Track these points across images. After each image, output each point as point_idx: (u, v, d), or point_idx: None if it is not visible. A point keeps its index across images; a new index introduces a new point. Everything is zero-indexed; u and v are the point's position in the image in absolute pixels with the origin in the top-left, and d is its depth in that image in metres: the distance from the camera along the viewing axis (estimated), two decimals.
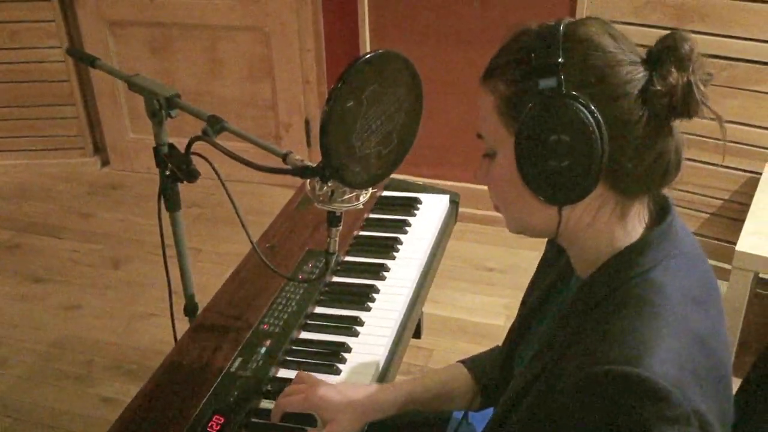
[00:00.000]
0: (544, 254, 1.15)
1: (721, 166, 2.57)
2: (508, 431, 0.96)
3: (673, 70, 0.84)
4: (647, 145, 0.87)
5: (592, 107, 0.83)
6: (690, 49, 0.85)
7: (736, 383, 1.02)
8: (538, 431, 0.90)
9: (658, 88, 0.84)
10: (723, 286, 2.28)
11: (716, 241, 2.68)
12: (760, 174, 2.46)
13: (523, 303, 1.15)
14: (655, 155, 0.87)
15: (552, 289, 1.08)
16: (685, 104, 0.85)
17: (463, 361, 1.28)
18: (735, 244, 2.10)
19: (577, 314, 0.92)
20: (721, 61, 2.45)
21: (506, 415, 0.97)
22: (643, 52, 0.89)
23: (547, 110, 0.84)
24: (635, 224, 0.92)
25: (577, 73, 0.85)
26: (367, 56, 1.03)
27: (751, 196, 2.37)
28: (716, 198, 2.64)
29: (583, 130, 0.83)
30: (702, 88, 0.85)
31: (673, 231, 0.92)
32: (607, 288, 0.89)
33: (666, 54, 0.85)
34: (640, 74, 0.86)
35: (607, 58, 0.86)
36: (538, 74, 0.86)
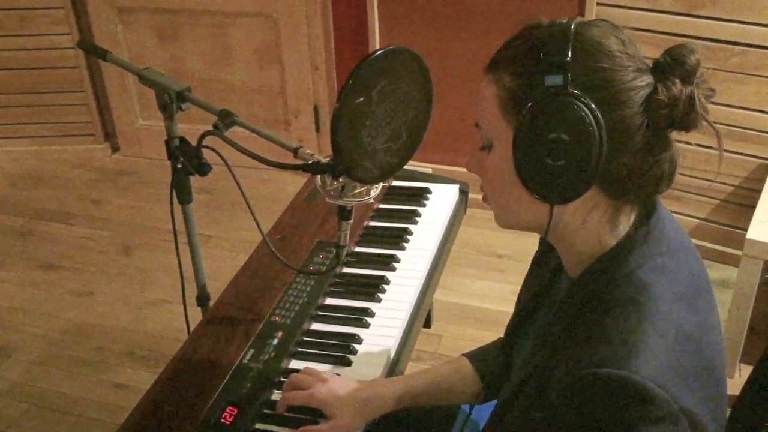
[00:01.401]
0: (537, 251, 1.15)
1: (733, 152, 2.56)
2: (506, 429, 0.98)
3: (677, 81, 0.85)
4: (644, 152, 0.87)
5: (595, 109, 0.84)
6: (696, 62, 0.85)
7: (746, 369, 1.02)
8: (532, 430, 0.91)
9: (661, 98, 0.85)
10: (733, 272, 2.28)
11: (727, 228, 2.67)
12: None
13: (519, 299, 1.16)
14: (650, 163, 0.88)
15: (545, 287, 1.09)
16: (686, 117, 0.85)
17: (467, 355, 1.29)
18: (746, 230, 2.10)
19: (566, 314, 0.93)
20: (733, 47, 2.43)
21: (504, 413, 0.99)
22: (649, 60, 0.89)
23: (549, 107, 0.85)
24: (624, 225, 0.93)
25: (584, 74, 0.85)
26: (377, 53, 1.03)
27: (763, 182, 2.36)
28: (727, 184, 2.64)
29: (584, 131, 0.84)
30: (704, 102, 0.85)
31: (660, 228, 0.92)
32: (594, 288, 0.90)
33: (672, 65, 0.85)
34: (644, 82, 0.86)
35: (614, 63, 0.86)
36: (544, 70, 0.85)
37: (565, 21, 0.89)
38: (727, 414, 0.95)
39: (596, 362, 0.81)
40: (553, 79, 0.84)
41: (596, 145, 0.84)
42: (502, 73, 0.90)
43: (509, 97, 0.89)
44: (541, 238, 1.11)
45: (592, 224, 0.92)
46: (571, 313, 0.92)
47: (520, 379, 0.96)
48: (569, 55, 0.85)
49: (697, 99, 0.84)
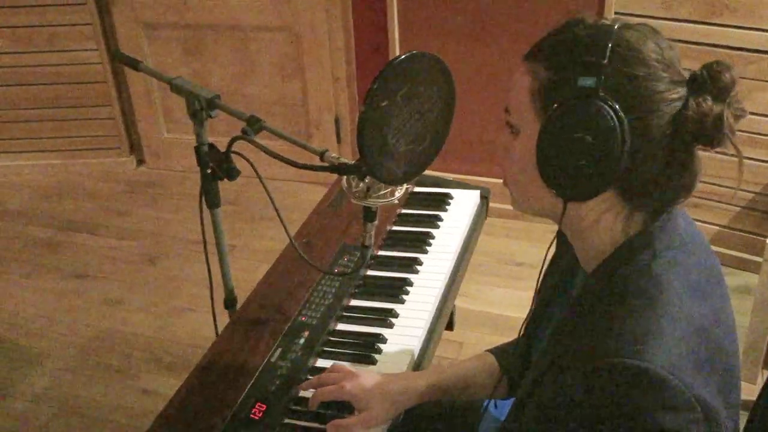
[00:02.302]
0: (555, 247, 1.17)
1: (754, 159, 2.57)
2: (524, 422, 1.00)
3: (709, 98, 0.86)
4: (665, 163, 0.89)
5: (622, 115, 0.85)
6: (732, 81, 0.87)
7: (765, 374, 1.04)
8: (549, 422, 0.93)
9: (690, 113, 0.86)
10: (754, 279, 2.28)
11: (748, 234, 2.68)
12: None
13: (537, 293, 1.18)
14: (670, 175, 0.90)
15: (562, 281, 1.12)
16: (712, 134, 0.87)
17: (491, 350, 1.32)
18: (764, 237, 2.10)
19: (581, 308, 0.95)
20: (751, 54, 2.45)
21: (523, 406, 1.01)
22: (687, 71, 0.90)
23: (578, 108, 0.87)
24: (638, 224, 0.95)
25: (617, 79, 0.87)
26: (402, 57, 1.07)
27: None
28: (748, 191, 2.64)
29: (608, 135, 0.86)
30: (731, 122, 0.87)
31: (673, 223, 0.94)
32: (608, 282, 0.93)
33: (707, 81, 0.87)
34: (677, 95, 0.88)
35: (649, 72, 0.87)
36: (579, 70, 0.87)
37: (608, 22, 0.91)
38: (740, 405, 0.96)
39: (611, 352, 0.84)
40: (586, 81, 0.86)
41: (618, 150, 0.86)
42: (538, 65, 0.92)
43: (541, 90, 0.91)
44: (558, 236, 1.14)
45: (606, 223, 0.95)
46: (586, 306, 0.94)
47: (538, 373, 0.98)
48: (606, 58, 0.86)
49: (725, 119, 0.86)
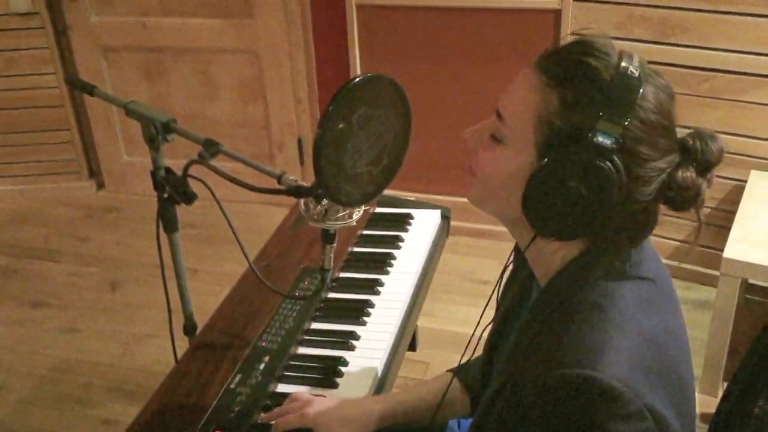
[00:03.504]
0: (513, 261, 1.18)
1: None
2: None
3: (693, 171, 0.89)
4: (636, 218, 0.91)
5: (625, 180, 0.85)
6: (719, 156, 0.89)
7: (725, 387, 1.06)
8: None
9: (677, 182, 0.88)
10: (713, 293, 2.32)
11: (704, 249, 2.73)
12: (745, 182, 2.51)
13: (497, 310, 1.19)
14: (637, 227, 0.92)
15: (520, 295, 1.13)
16: (686, 204, 0.90)
17: (453, 370, 1.32)
18: (722, 251, 2.14)
19: (536, 321, 0.96)
20: (704, 72, 2.51)
21: (483, 422, 1.01)
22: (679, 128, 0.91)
23: (588, 163, 0.85)
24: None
25: (630, 143, 0.86)
26: (357, 80, 1.07)
27: (737, 204, 2.42)
28: (705, 206, 2.69)
29: (606, 192, 0.86)
30: (704, 195, 0.90)
31: None
32: (561, 295, 0.94)
33: (697, 153, 0.89)
34: (667, 164, 0.89)
35: (656, 140, 0.87)
36: (597, 124, 0.85)
37: (635, 65, 0.88)
38: (695, 416, 0.97)
39: (564, 364, 0.85)
40: (604, 140, 0.85)
41: (608, 206, 0.87)
42: (551, 90, 0.89)
43: (550, 123, 0.89)
44: (514, 250, 1.15)
45: (564, 250, 0.96)
46: (540, 319, 0.95)
47: (495, 389, 0.98)
48: (627, 120, 0.85)
49: (702, 193, 0.89)
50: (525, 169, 0.91)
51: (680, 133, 0.92)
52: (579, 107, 0.87)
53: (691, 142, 0.90)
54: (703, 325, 2.30)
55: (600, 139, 0.85)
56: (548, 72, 0.91)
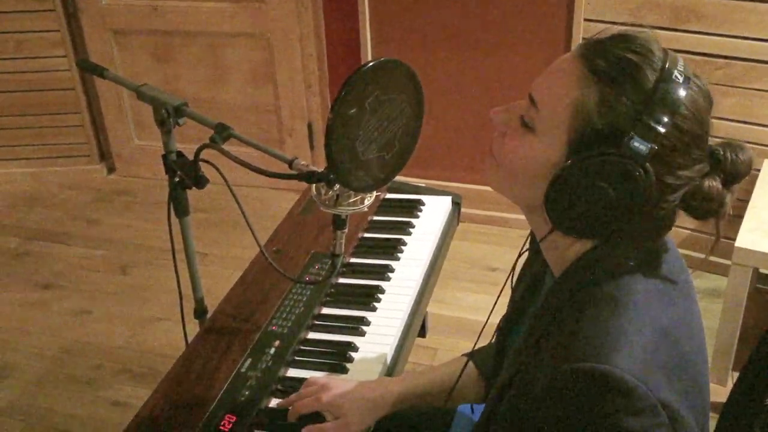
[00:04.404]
0: (528, 250, 1.17)
1: None
2: (495, 425, 1.00)
3: (719, 182, 0.87)
4: (657, 221, 0.90)
5: (653, 185, 0.84)
6: (747, 170, 0.88)
7: (735, 377, 1.05)
8: (518, 425, 0.93)
9: (702, 192, 0.87)
10: (723, 282, 2.31)
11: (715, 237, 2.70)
12: (759, 171, 2.49)
13: (511, 299, 1.18)
14: (656, 227, 0.91)
15: (533, 284, 1.12)
16: (709, 213, 0.88)
17: (468, 354, 1.32)
18: (734, 240, 2.13)
19: (549, 312, 0.95)
20: (718, 60, 2.48)
21: (493, 409, 1.00)
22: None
23: (621, 166, 0.84)
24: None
25: (666, 148, 0.85)
26: (369, 64, 1.06)
27: (750, 193, 2.40)
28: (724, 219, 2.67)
29: (634, 196, 0.85)
30: (729, 205, 0.88)
31: None
32: (574, 287, 0.93)
33: (726, 164, 0.88)
34: (696, 173, 0.88)
35: (690, 149, 0.86)
36: (637, 129, 0.83)
37: (680, 69, 0.86)
38: (709, 409, 0.97)
39: (577, 357, 0.84)
40: (640, 146, 0.83)
41: (634, 209, 0.86)
42: (594, 84, 0.86)
43: (586, 118, 0.86)
44: (530, 240, 1.14)
45: (581, 244, 0.95)
46: (553, 310, 0.94)
47: (508, 376, 0.98)
48: (669, 125, 0.83)
49: (726, 204, 0.88)
50: (554, 162, 0.89)
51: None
52: (619, 107, 0.84)
53: (721, 152, 0.88)
54: (714, 314, 2.29)
55: (636, 144, 0.83)
56: (591, 63, 0.87)
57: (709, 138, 0.90)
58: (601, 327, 0.86)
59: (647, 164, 0.84)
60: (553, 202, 0.89)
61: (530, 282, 1.13)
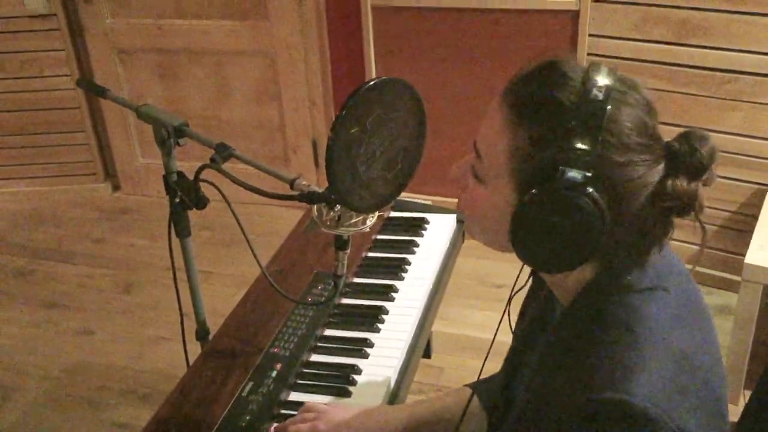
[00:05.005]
0: (531, 281, 1.15)
1: (728, 178, 2.58)
2: None
3: (684, 179, 0.85)
4: (638, 229, 0.87)
5: (604, 206, 0.82)
6: (710, 157, 0.85)
7: (747, 395, 1.03)
8: None
9: (668, 192, 0.85)
10: (733, 298, 2.28)
11: (725, 254, 2.68)
12: (767, 186, 2.46)
13: (515, 331, 1.16)
14: (644, 237, 0.88)
15: (540, 317, 1.10)
16: (685, 210, 0.86)
17: (471, 386, 1.29)
18: (744, 256, 2.10)
19: (561, 342, 0.93)
20: (724, 74, 2.46)
21: None
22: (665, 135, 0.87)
23: (560, 198, 0.83)
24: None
25: (603, 168, 0.83)
26: (370, 83, 1.05)
27: (759, 208, 2.37)
28: (724, 210, 2.65)
29: (588, 222, 0.83)
30: (702, 198, 0.86)
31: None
32: (587, 315, 0.90)
33: (685, 157, 0.85)
34: (655, 177, 0.85)
35: (633, 159, 0.84)
36: (567, 159, 0.82)
37: (599, 88, 0.84)
38: (729, 430, 0.94)
39: (593, 387, 0.82)
40: (574, 175, 0.82)
41: (596, 233, 0.84)
42: (518, 124, 0.86)
43: (521, 158, 0.86)
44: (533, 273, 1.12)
45: (578, 272, 0.92)
46: (565, 340, 0.92)
47: (520, 411, 0.96)
48: (596, 147, 0.82)
49: (699, 197, 0.85)
50: (509, 206, 0.88)
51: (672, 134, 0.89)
52: (547, 142, 0.84)
53: (677, 146, 0.86)
54: (725, 331, 2.26)
55: (571, 174, 0.82)
56: (513, 106, 0.88)
57: (661, 137, 0.87)
58: (617, 356, 0.84)
59: (589, 189, 0.82)
60: (519, 245, 0.88)
61: (536, 312, 1.11)
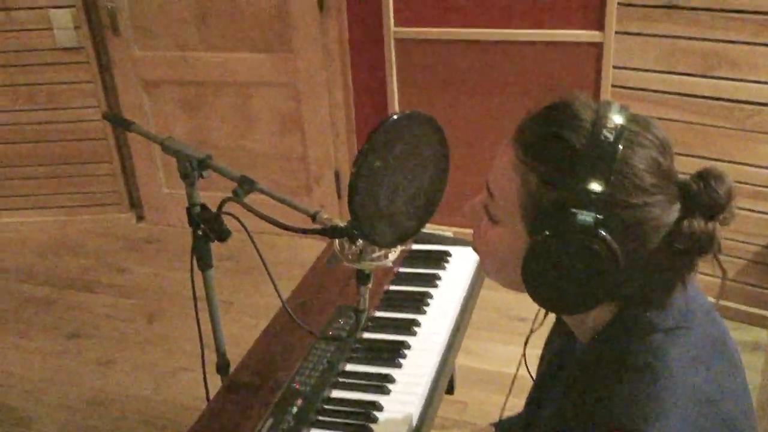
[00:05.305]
0: (555, 318, 1.13)
1: (756, 211, 2.54)
2: None
3: (701, 219, 0.83)
4: (656, 268, 0.85)
5: (617, 249, 0.81)
6: (727, 197, 0.83)
7: None
8: None
9: (684, 232, 0.83)
10: (763, 334, 2.23)
11: (754, 288, 2.62)
12: None
13: (539, 366, 1.14)
14: (664, 275, 0.86)
15: (561, 355, 1.07)
16: (702, 251, 0.84)
17: (494, 424, 1.26)
18: None
19: (581, 381, 0.91)
20: (751, 106, 2.43)
21: None
22: (681, 174, 0.86)
23: (572, 240, 0.82)
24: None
25: (616, 210, 0.82)
26: (392, 118, 1.04)
27: None
28: (752, 243, 2.60)
29: (601, 265, 0.82)
30: (719, 238, 0.83)
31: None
32: (607, 354, 0.89)
33: (701, 196, 0.83)
34: (671, 217, 0.84)
35: (647, 200, 0.82)
36: (578, 201, 0.81)
37: (610, 129, 0.82)
38: None
39: (613, 421, 0.80)
40: (585, 218, 0.81)
41: (610, 275, 0.82)
42: (528, 168, 0.86)
43: (531, 203, 0.85)
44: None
45: (596, 312, 0.91)
46: (585, 379, 0.90)
47: None
48: (608, 189, 0.81)
49: (716, 237, 0.83)
50: (521, 247, 0.87)
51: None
52: (558, 183, 0.83)
53: (694, 186, 0.84)
54: (755, 368, 2.20)
55: (581, 217, 0.80)
56: (523, 148, 0.87)
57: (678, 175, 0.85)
58: (639, 397, 0.82)
59: (601, 232, 0.80)
60: (531, 287, 0.87)
61: (559, 349, 1.08)
